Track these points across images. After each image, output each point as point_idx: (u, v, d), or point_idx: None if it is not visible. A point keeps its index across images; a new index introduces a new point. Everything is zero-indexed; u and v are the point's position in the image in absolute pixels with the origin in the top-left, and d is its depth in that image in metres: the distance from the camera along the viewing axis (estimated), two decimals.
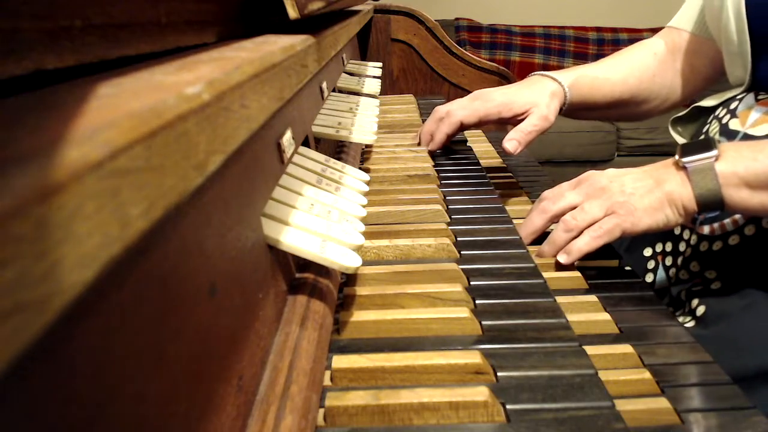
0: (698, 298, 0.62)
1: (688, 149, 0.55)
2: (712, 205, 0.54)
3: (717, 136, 0.68)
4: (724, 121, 0.68)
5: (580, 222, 0.56)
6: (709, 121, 0.73)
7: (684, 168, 0.54)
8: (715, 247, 0.63)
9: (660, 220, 0.55)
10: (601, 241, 0.55)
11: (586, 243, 0.55)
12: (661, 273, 0.70)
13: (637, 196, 0.55)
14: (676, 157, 0.56)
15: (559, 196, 0.59)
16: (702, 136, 0.72)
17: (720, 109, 0.71)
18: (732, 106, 0.68)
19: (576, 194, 0.58)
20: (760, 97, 0.66)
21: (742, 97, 0.67)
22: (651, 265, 0.72)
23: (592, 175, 0.59)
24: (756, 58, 0.67)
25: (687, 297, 0.64)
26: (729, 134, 0.66)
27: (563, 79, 0.80)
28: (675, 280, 0.68)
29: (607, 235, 0.55)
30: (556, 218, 0.59)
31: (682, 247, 0.68)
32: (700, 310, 0.61)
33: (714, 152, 0.54)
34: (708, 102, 0.75)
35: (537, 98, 0.77)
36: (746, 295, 0.59)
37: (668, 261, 0.70)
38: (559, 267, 0.57)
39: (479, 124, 0.80)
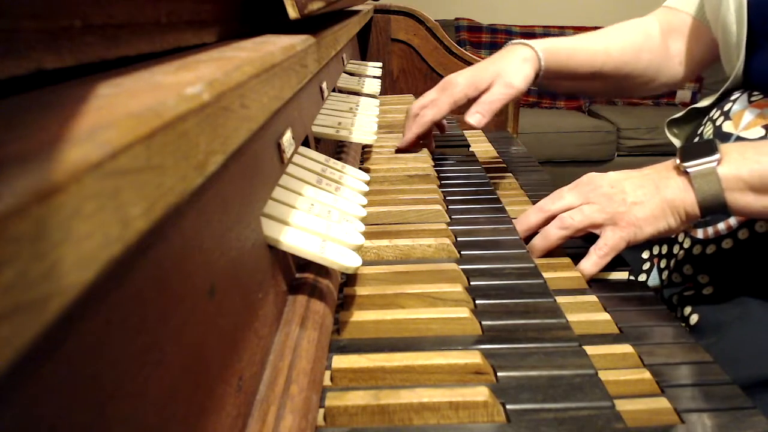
0: (691, 305, 0.62)
1: (688, 153, 0.54)
2: (715, 209, 0.53)
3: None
4: (717, 123, 0.68)
5: (576, 222, 0.56)
6: (703, 122, 0.72)
7: (686, 173, 0.53)
8: (708, 251, 0.63)
9: (662, 228, 0.54)
10: (608, 258, 0.55)
11: (594, 263, 0.55)
12: (654, 275, 0.70)
13: (638, 205, 0.54)
14: (677, 161, 0.54)
15: (558, 196, 0.59)
16: (696, 138, 0.72)
17: (714, 110, 0.70)
18: (726, 108, 0.68)
19: (575, 196, 0.58)
20: (753, 98, 0.65)
21: (736, 98, 0.67)
22: (646, 266, 0.71)
23: (592, 179, 0.58)
24: (750, 52, 0.66)
25: (679, 302, 0.64)
26: (722, 137, 0.65)
27: (537, 45, 0.77)
28: (667, 283, 0.67)
29: (612, 251, 0.55)
30: (552, 217, 0.58)
31: (675, 249, 0.68)
32: (694, 319, 0.60)
33: (716, 156, 0.52)
34: (703, 103, 0.75)
35: (502, 67, 0.75)
36: (739, 304, 0.58)
37: (662, 263, 0.69)
38: (560, 267, 0.57)
39: (455, 112, 0.79)
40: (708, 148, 0.53)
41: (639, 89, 0.86)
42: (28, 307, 0.12)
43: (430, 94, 0.79)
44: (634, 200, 0.54)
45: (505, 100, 0.73)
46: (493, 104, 0.72)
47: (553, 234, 0.57)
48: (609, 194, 0.56)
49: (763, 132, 0.62)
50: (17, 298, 0.11)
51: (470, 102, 0.76)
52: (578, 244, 0.60)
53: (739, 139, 0.63)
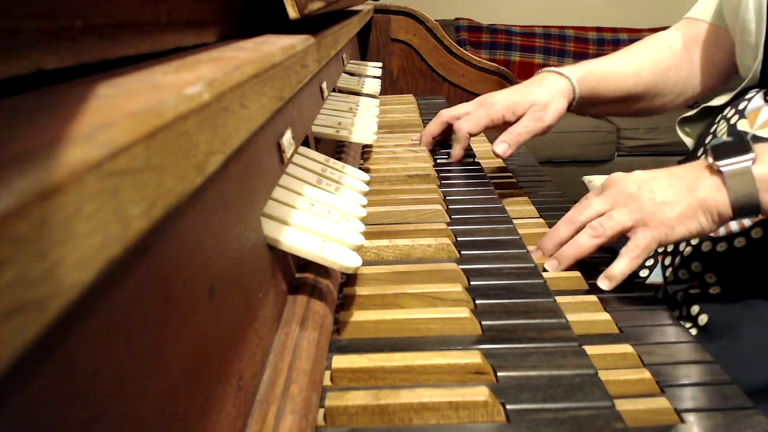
0: (698, 304, 0.60)
1: (721, 152, 0.52)
2: (748, 210, 0.51)
3: (725, 137, 0.66)
4: (732, 121, 0.67)
5: (607, 229, 0.53)
6: (716, 121, 0.71)
7: (719, 172, 0.52)
8: (719, 249, 0.61)
9: (694, 228, 0.52)
10: (640, 260, 0.53)
11: (626, 265, 0.53)
12: (657, 271, 0.69)
13: (669, 204, 0.52)
14: (710, 159, 0.53)
15: (585, 205, 0.57)
16: (709, 137, 0.71)
17: (728, 109, 0.69)
18: (740, 107, 0.67)
19: (602, 201, 0.56)
20: None
21: (752, 97, 0.66)
22: (649, 263, 0.70)
23: (619, 181, 0.56)
24: (767, 52, 0.65)
25: (684, 300, 0.63)
26: (737, 135, 0.64)
27: (571, 73, 0.78)
28: (672, 280, 0.66)
29: (644, 252, 0.53)
30: (583, 227, 0.56)
31: (682, 246, 0.66)
32: (703, 320, 0.59)
33: (751, 155, 0.51)
34: (716, 101, 0.74)
35: (539, 97, 0.76)
36: (751, 305, 0.56)
37: (667, 261, 0.68)
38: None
39: (488, 129, 0.81)
40: (742, 147, 0.52)
41: (667, 106, 0.86)
42: (28, 307, 0.12)
43: (465, 107, 0.81)
44: (663, 200, 0.52)
45: (533, 134, 0.75)
46: (520, 136, 0.74)
47: (585, 243, 0.54)
48: (636, 194, 0.54)
49: None
50: (17, 298, 0.11)
51: (506, 125, 0.77)
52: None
53: (755, 137, 0.62)
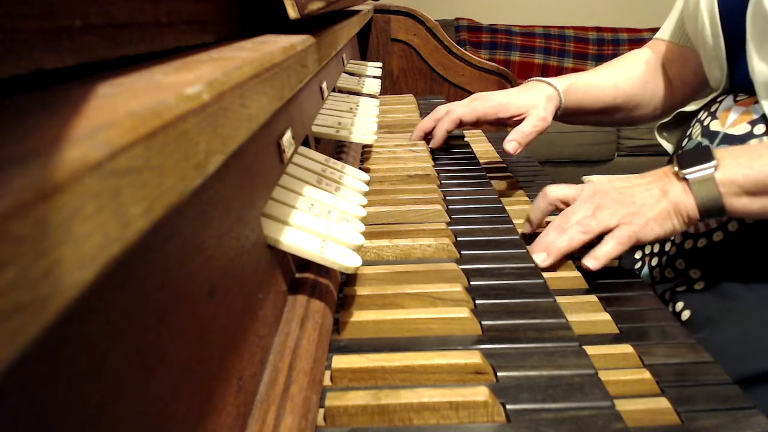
0: (683, 301, 0.64)
1: (686, 161, 0.57)
2: (714, 212, 0.55)
3: (699, 138, 0.70)
4: (705, 123, 0.71)
5: (594, 227, 0.57)
6: (692, 124, 0.75)
7: (685, 179, 0.56)
8: (699, 245, 0.65)
9: (668, 229, 0.57)
10: (623, 247, 0.56)
11: (612, 248, 0.56)
12: (645, 271, 0.73)
13: (648, 206, 0.57)
14: (675, 168, 0.57)
15: (570, 212, 0.60)
16: (686, 140, 0.75)
17: (701, 112, 0.74)
18: (712, 108, 0.71)
19: (587, 208, 0.59)
20: (738, 98, 0.68)
21: (722, 99, 0.70)
22: (638, 265, 0.74)
23: (598, 188, 0.60)
24: (731, 61, 0.69)
25: (671, 298, 0.66)
26: (710, 135, 0.68)
27: (558, 84, 0.84)
28: (660, 279, 0.70)
29: (628, 240, 0.56)
30: None
31: (667, 246, 0.70)
32: (686, 315, 0.62)
33: (713, 163, 0.55)
34: (690, 107, 0.79)
35: (534, 101, 0.81)
36: (731, 297, 0.60)
37: (654, 261, 0.72)
38: (560, 267, 0.57)
39: (477, 123, 0.83)
40: (704, 156, 0.56)
41: (646, 117, 0.92)
42: (28, 307, 0.12)
43: (460, 101, 0.85)
44: (642, 203, 0.57)
45: (539, 132, 0.79)
46: (530, 135, 0.78)
47: (575, 237, 0.57)
48: (619, 199, 0.58)
49: (749, 128, 0.64)
50: (17, 298, 0.11)
51: (498, 121, 0.82)
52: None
53: (726, 136, 0.66)
